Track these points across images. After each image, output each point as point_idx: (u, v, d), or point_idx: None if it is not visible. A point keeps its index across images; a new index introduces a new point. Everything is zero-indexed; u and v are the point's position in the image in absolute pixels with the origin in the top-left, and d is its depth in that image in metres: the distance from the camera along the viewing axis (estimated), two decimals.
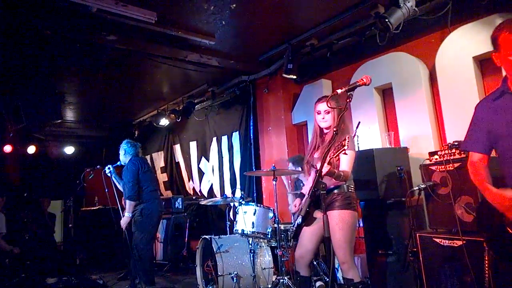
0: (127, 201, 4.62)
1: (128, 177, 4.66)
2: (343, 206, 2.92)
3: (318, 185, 2.15)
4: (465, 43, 3.88)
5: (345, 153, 2.24)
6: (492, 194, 2.04)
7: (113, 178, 4.92)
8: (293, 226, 3.30)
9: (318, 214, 3.05)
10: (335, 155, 2.22)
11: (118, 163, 4.99)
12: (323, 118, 3.07)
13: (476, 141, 2.18)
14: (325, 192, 2.17)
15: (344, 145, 2.14)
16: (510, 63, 1.98)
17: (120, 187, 4.93)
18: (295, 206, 3.29)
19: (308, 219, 2.98)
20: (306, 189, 3.35)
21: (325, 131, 3.12)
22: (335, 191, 2.97)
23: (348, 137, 2.25)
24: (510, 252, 2.03)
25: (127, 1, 3.84)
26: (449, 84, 3.99)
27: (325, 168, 2.56)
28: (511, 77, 2.07)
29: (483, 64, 3.92)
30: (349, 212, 2.94)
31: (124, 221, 4.63)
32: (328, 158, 2.31)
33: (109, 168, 4.86)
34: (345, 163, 2.91)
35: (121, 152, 4.96)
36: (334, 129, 2.19)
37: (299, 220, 3.06)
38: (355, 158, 2.98)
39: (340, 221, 2.89)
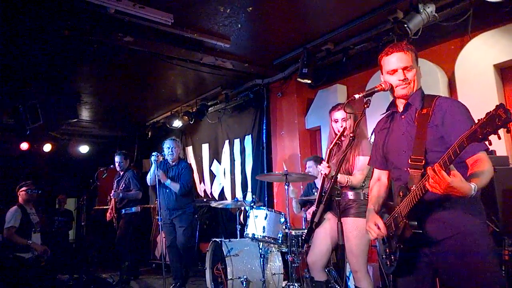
0: (180, 190, 5.08)
1: (188, 177, 5.25)
2: (358, 214, 2.88)
3: (333, 191, 2.11)
4: (486, 51, 3.80)
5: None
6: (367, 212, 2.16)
7: (153, 167, 5.02)
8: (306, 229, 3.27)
9: (329, 215, 3.01)
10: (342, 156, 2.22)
11: (167, 157, 5.22)
12: (342, 126, 3.05)
13: (375, 159, 2.29)
14: (340, 198, 2.13)
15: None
16: (387, 82, 2.11)
17: (151, 176, 5.10)
18: (309, 214, 3.26)
19: (319, 222, 2.98)
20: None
21: (342, 138, 3.10)
22: (351, 197, 2.93)
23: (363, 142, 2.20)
24: None
25: (144, 3, 3.86)
26: (469, 92, 3.91)
27: (341, 177, 2.54)
28: (395, 95, 2.16)
29: (504, 72, 3.84)
30: (364, 220, 2.90)
31: (161, 174, 5.00)
32: (342, 164, 2.28)
33: (155, 156, 4.94)
34: (358, 167, 2.89)
35: (178, 151, 5.35)
36: (351, 135, 2.15)
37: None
38: None
39: (354, 229, 2.85)
